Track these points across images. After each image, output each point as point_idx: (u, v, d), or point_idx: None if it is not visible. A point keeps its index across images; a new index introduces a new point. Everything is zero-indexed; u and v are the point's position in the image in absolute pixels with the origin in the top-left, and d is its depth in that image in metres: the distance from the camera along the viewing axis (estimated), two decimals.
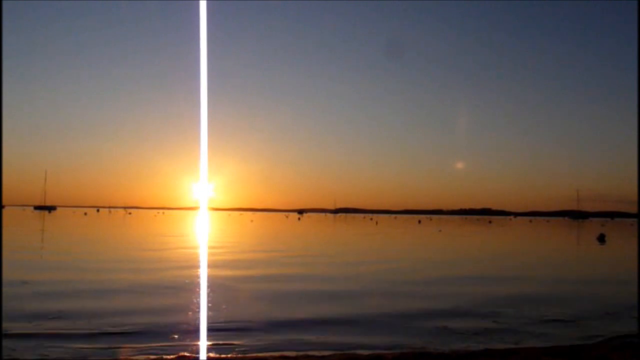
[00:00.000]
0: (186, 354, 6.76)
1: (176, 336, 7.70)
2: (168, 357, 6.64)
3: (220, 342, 7.41)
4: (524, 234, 54.55)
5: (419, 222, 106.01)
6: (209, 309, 9.53)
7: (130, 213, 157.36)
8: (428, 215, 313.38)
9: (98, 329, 7.99)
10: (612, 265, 21.80)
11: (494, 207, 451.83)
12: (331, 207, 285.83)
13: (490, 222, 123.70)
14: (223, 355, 6.79)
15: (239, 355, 6.81)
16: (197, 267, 16.33)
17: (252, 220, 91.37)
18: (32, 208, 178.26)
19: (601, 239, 40.66)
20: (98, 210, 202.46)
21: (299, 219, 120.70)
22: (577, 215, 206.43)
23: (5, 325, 7.89)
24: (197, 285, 12.53)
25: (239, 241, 32.71)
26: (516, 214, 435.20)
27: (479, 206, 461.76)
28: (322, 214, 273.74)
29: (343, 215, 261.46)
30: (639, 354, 7.03)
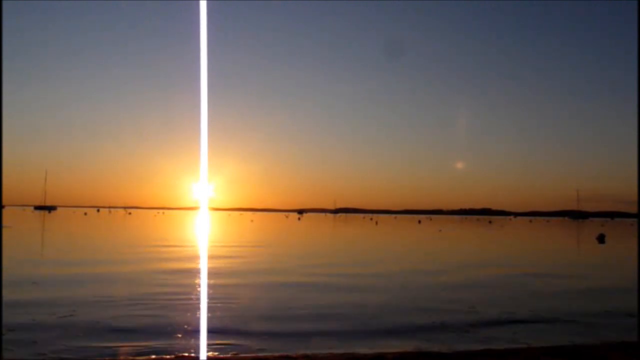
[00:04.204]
0: (186, 354, 6.76)
1: (176, 336, 7.70)
2: (168, 356, 6.64)
3: (221, 341, 7.41)
4: (526, 234, 54.54)
5: (419, 222, 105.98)
6: None
7: (130, 213, 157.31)
8: (428, 215, 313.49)
9: (98, 329, 7.98)
10: (611, 265, 21.79)
11: (494, 207, 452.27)
12: (331, 207, 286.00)
13: (490, 222, 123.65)
14: (223, 356, 6.79)
15: (239, 355, 6.81)
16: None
17: (252, 220, 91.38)
18: (32, 208, 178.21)
19: (601, 239, 40.60)
20: (98, 210, 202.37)
21: (299, 219, 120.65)
22: (577, 215, 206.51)
23: (5, 324, 7.89)
24: None
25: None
26: (516, 214, 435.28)
27: (479, 206, 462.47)
28: (322, 214, 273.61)
29: (343, 215, 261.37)
30: (638, 354, 7.02)
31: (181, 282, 13.13)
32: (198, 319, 8.73)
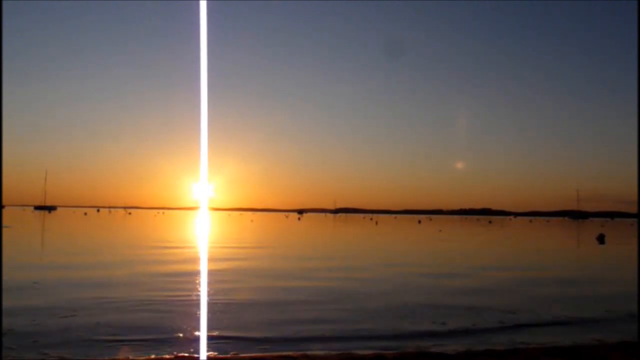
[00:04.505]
0: (186, 354, 6.76)
1: (176, 336, 7.69)
2: (168, 356, 6.64)
3: (221, 341, 7.41)
4: (526, 234, 54.54)
5: (419, 222, 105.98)
6: None
7: (130, 213, 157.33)
8: (428, 215, 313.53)
9: (99, 330, 7.98)
10: (611, 265, 21.79)
11: (494, 207, 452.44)
12: (331, 207, 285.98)
13: (490, 222, 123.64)
14: (223, 356, 6.79)
15: (239, 355, 6.81)
16: None
17: (252, 220, 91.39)
18: (32, 208, 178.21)
19: (601, 239, 40.56)
20: (98, 210, 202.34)
21: (299, 219, 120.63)
22: (577, 215, 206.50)
23: (5, 323, 7.90)
24: None
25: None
26: (516, 214, 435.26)
27: (478, 206, 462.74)
28: (322, 214, 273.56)
29: (343, 215, 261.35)
30: (638, 354, 7.03)
31: (181, 282, 13.13)
32: (198, 319, 8.73)
